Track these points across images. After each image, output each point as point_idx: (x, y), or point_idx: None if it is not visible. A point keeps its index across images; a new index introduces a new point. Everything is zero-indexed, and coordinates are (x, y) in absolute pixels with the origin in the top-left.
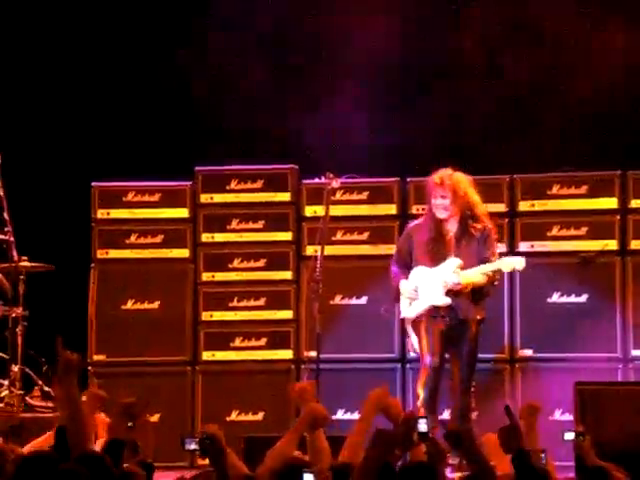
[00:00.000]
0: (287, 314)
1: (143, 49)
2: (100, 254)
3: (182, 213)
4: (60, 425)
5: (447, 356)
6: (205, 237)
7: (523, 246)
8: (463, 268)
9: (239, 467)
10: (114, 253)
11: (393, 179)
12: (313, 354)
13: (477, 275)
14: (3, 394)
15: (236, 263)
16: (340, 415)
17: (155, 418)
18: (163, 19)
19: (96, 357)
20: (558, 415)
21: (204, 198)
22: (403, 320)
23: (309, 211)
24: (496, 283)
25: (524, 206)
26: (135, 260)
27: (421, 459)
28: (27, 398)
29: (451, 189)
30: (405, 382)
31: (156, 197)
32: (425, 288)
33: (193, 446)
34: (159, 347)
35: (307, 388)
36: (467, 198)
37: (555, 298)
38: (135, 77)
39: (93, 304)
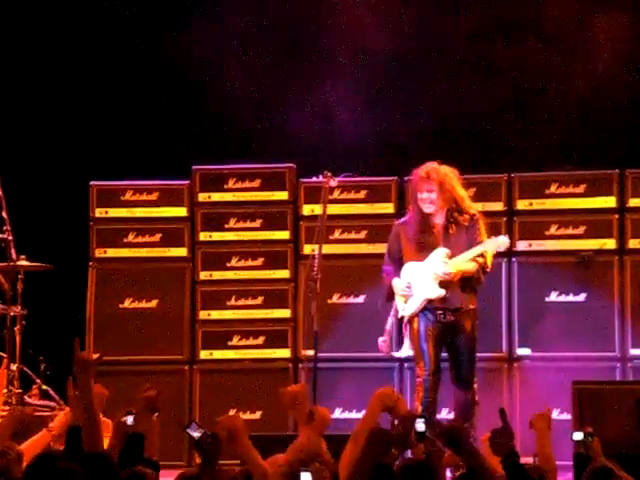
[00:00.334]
0: (285, 313)
1: (140, 48)
2: (98, 253)
3: (180, 212)
4: (73, 425)
5: (445, 355)
6: (203, 236)
7: (521, 245)
8: (453, 258)
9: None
10: (112, 252)
11: (391, 178)
12: (311, 353)
13: (466, 262)
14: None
15: (234, 262)
16: (338, 414)
17: (153, 416)
18: (160, 18)
19: (94, 356)
20: (556, 414)
21: (202, 197)
22: (400, 319)
23: (307, 210)
24: (487, 270)
25: (522, 205)
26: (133, 259)
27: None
28: (25, 397)
29: (437, 183)
30: (403, 381)
31: (154, 196)
32: (418, 283)
33: (196, 434)
34: (157, 346)
35: (298, 392)
36: (454, 192)
37: (553, 297)
38: (133, 76)
39: (91, 303)
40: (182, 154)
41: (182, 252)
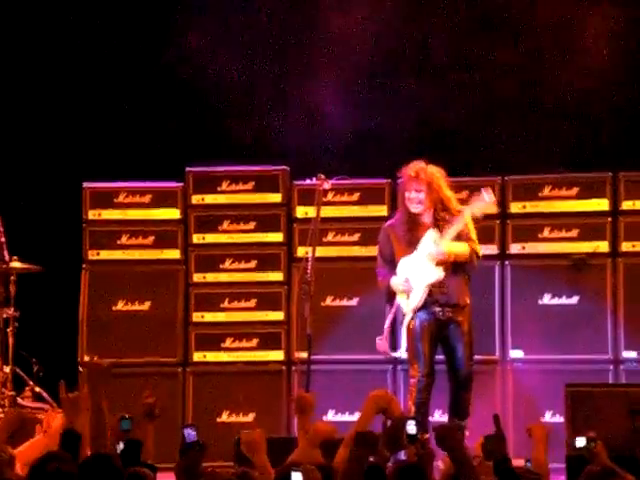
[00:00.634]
0: (278, 315)
1: (134, 50)
2: (91, 255)
3: (173, 214)
4: (67, 428)
5: (442, 357)
6: (196, 238)
7: (514, 248)
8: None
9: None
10: (105, 254)
11: (384, 180)
12: (304, 355)
13: (458, 244)
14: None
15: (227, 264)
16: (331, 416)
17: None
18: (154, 19)
19: (87, 358)
20: (549, 417)
21: (195, 199)
22: (394, 321)
23: (300, 212)
24: (480, 254)
25: (515, 208)
26: (126, 261)
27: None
28: (18, 399)
29: (426, 182)
30: (396, 383)
31: (147, 198)
32: (415, 275)
33: (190, 439)
34: (150, 348)
35: (307, 401)
36: (441, 192)
37: (546, 300)
38: (126, 78)
39: (84, 305)
40: (175, 156)
41: (175, 254)
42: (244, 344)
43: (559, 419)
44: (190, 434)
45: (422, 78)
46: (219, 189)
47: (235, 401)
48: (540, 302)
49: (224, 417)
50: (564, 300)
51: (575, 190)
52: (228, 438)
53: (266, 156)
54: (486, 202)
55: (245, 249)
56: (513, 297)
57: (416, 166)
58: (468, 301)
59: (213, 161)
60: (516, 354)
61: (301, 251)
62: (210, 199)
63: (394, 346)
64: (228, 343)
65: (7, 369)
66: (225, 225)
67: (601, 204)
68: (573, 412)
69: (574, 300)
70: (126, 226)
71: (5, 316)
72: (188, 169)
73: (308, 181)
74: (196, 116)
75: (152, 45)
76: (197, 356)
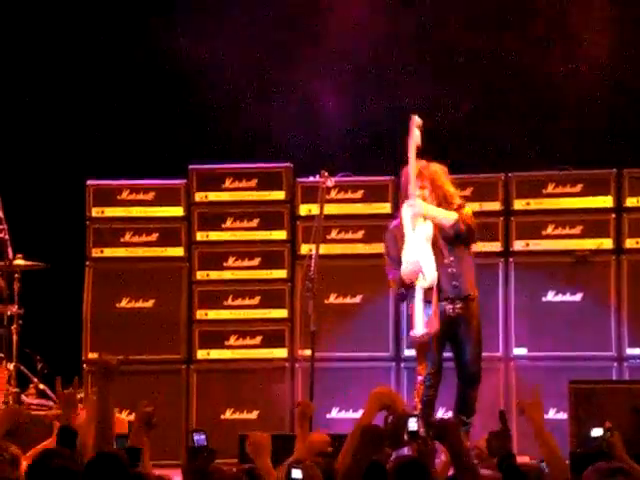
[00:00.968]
0: (282, 313)
1: (137, 48)
2: (95, 252)
3: (177, 211)
4: (63, 424)
5: (449, 354)
6: (200, 236)
7: (518, 245)
8: (449, 246)
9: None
10: (109, 251)
11: (387, 178)
12: (308, 353)
13: (432, 207)
14: None
15: (231, 262)
16: (334, 414)
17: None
18: (156, 15)
19: (91, 355)
20: (552, 414)
21: (199, 196)
22: (397, 319)
23: (304, 210)
24: (469, 222)
25: (519, 205)
26: (130, 258)
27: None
28: (22, 396)
29: (429, 179)
30: (399, 380)
31: (151, 195)
32: (418, 253)
33: (200, 443)
34: (154, 345)
35: (308, 409)
36: (444, 189)
37: (550, 297)
38: (130, 75)
39: (88, 302)
40: (179, 153)
41: (179, 252)
42: (248, 341)
43: (563, 416)
44: (199, 439)
45: (425, 74)
46: (222, 186)
47: (239, 398)
48: (544, 299)
49: (228, 414)
50: (568, 297)
51: (579, 187)
52: (232, 435)
53: (269, 153)
54: (418, 123)
55: (248, 246)
56: (517, 294)
57: (419, 164)
58: (476, 293)
59: (216, 158)
60: (520, 351)
61: (305, 248)
62: (213, 196)
63: (397, 348)
64: (232, 340)
65: (11, 366)
66: (228, 222)
67: (605, 201)
68: (576, 409)
69: (578, 297)
70: (130, 223)
71: (9, 313)
72: (191, 166)
73: (311, 178)
74: (199, 113)
75: (155, 43)
76: (201, 353)
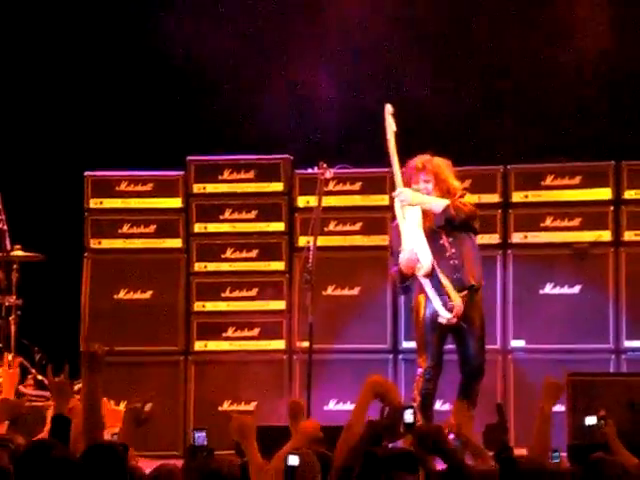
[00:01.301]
0: (280, 304)
1: (135, 39)
2: (93, 243)
3: (175, 203)
4: (56, 413)
5: (452, 346)
6: (198, 227)
7: (516, 237)
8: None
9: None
10: (107, 243)
11: (386, 170)
12: (305, 344)
13: (420, 194)
14: None
15: (229, 253)
16: (332, 405)
17: (147, 408)
18: (155, 8)
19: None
20: None
21: (197, 188)
22: (395, 311)
23: (302, 201)
24: (465, 208)
25: (517, 197)
26: (128, 250)
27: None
28: (20, 387)
29: (433, 173)
30: (397, 373)
31: (149, 187)
32: (414, 241)
33: (200, 442)
34: (152, 337)
35: (298, 407)
36: (448, 182)
37: (548, 289)
38: (128, 67)
39: (86, 294)
40: (177, 145)
41: (177, 243)
42: (245, 333)
43: (560, 408)
44: (200, 436)
45: (423, 66)
46: (220, 178)
47: (236, 389)
48: (542, 291)
49: (225, 406)
50: (566, 290)
51: (577, 179)
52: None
53: (268, 145)
54: (390, 112)
55: (246, 238)
56: (515, 286)
57: (422, 158)
58: (482, 282)
59: (215, 150)
60: (518, 343)
61: (302, 240)
62: (211, 188)
63: (395, 341)
64: (230, 332)
65: (10, 357)
66: (226, 214)
67: (603, 193)
68: (574, 401)
69: (576, 289)
70: (128, 215)
71: (7, 304)
72: (189, 158)
73: (310, 170)
74: (197, 105)
75: (152, 34)
76: (198, 345)
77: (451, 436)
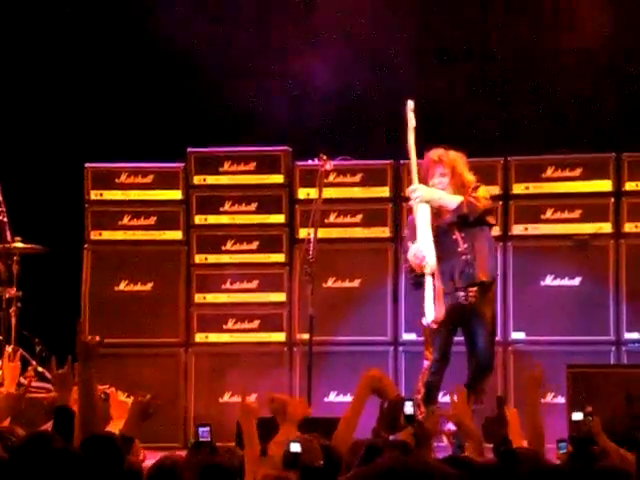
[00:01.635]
0: (280, 297)
1: (135, 31)
2: (93, 235)
3: (175, 195)
4: (59, 405)
5: (461, 338)
6: (198, 219)
7: (517, 229)
8: (463, 233)
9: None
10: (107, 234)
11: (387, 161)
12: (306, 337)
13: (434, 190)
14: None
15: (229, 245)
16: (332, 397)
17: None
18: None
19: (96, 339)
20: (550, 398)
21: (197, 180)
22: (396, 303)
23: (302, 193)
24: (478, 203)
25: (518, 189)
26: (128, 242)
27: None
28: (21, 378)
29: (450, 166)
30: (397, 365)
31: (149, 179)
32: (421, 240)
33: (204, 438)
34: (152, 329)
35: (287, 403)
36: (462, 177)
37: (548, 281)
38: (128, 58)
39: (86, 285)
40: (177, 137)
41: (177, 235)
42: (246, 325)
43: (560, 400)
44: (204, 431)
45: (423, 58)
46: (221, 170)
47: (237, 381)
48: (542, 283)
49: (226, 398)
50: (566, 281)
51: (578, 171)
52: (230, 418)
53: (268, 136)
54: (411, 108)
55: (247, 230)
56: (515, 278)
57: (438, 152)
58: (496, 275)
59: (215, 142)
60: (518, 335)
61: (303, 232)
62: (212, 180)
63: (395, 333)
64: (230, 324)
65: (10, 349)
66: (227, 206)
67: (604, 185)
68: (574, 393)
69: (576, 281)
70: (128, 207)
71: (8, 296)
72: (190, 149)
73: (310, 162)
74: (198, 96)
75: (154, 25)
76: (199, 337)
77: (450, 425)
